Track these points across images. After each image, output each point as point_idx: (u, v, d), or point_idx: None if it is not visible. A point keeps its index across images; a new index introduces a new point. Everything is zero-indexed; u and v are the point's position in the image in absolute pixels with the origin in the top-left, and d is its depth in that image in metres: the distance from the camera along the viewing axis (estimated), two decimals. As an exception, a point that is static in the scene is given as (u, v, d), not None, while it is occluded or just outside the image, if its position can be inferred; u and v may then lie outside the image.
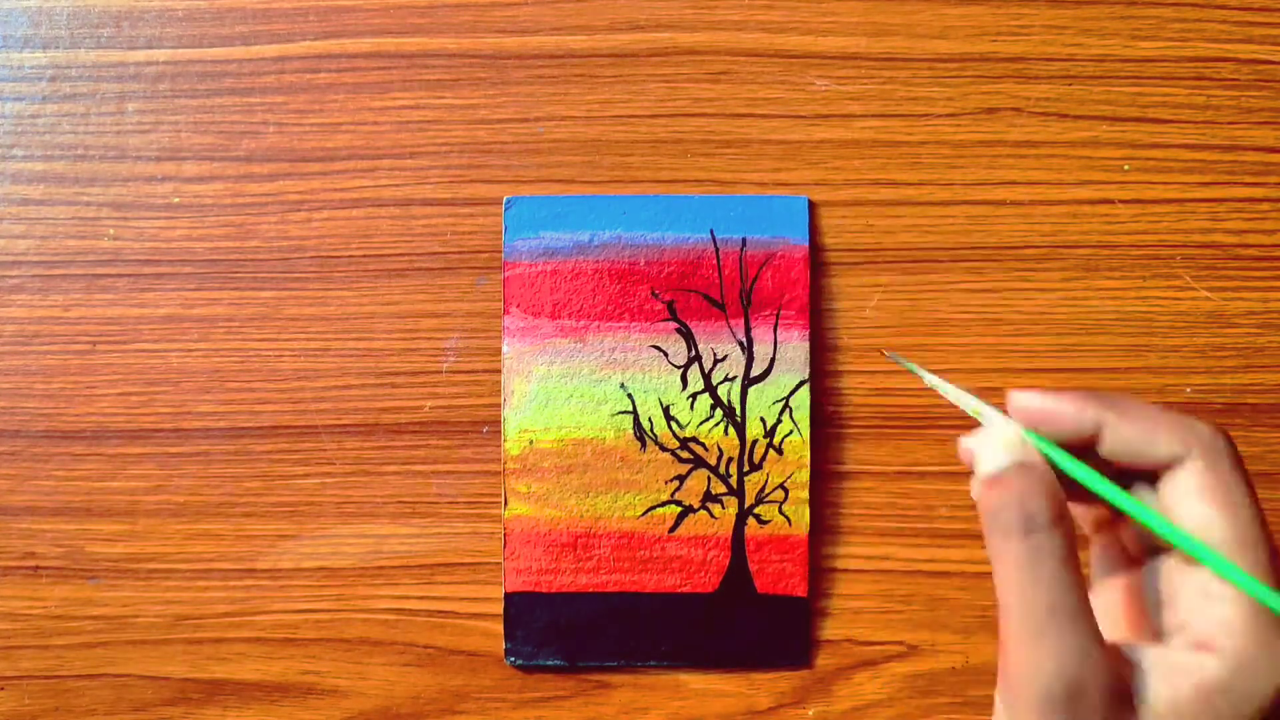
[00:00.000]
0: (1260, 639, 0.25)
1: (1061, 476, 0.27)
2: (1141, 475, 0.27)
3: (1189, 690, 0.25)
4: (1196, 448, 0.26)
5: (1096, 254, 0.39)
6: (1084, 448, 0.27)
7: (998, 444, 0.27)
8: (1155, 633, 0.27)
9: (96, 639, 0.39)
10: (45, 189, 0.39)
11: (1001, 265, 0.39)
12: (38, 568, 0.39)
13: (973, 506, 0.39)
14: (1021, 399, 0.28)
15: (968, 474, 0.40)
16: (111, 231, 0.39)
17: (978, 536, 0.39)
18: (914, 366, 0.31)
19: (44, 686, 0.39)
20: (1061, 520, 0.26)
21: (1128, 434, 0.27)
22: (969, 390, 0.29)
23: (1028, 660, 0.25)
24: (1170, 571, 0.27)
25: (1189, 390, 0.39)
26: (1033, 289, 0.39)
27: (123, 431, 0.39)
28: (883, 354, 0.37)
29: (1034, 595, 0.25)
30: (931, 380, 0.31)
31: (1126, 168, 0.39)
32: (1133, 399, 0.27)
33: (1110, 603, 0.29)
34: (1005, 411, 0.28)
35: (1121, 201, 0.39)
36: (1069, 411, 0.27)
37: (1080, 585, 0.25)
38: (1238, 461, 0.26)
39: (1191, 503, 0.26)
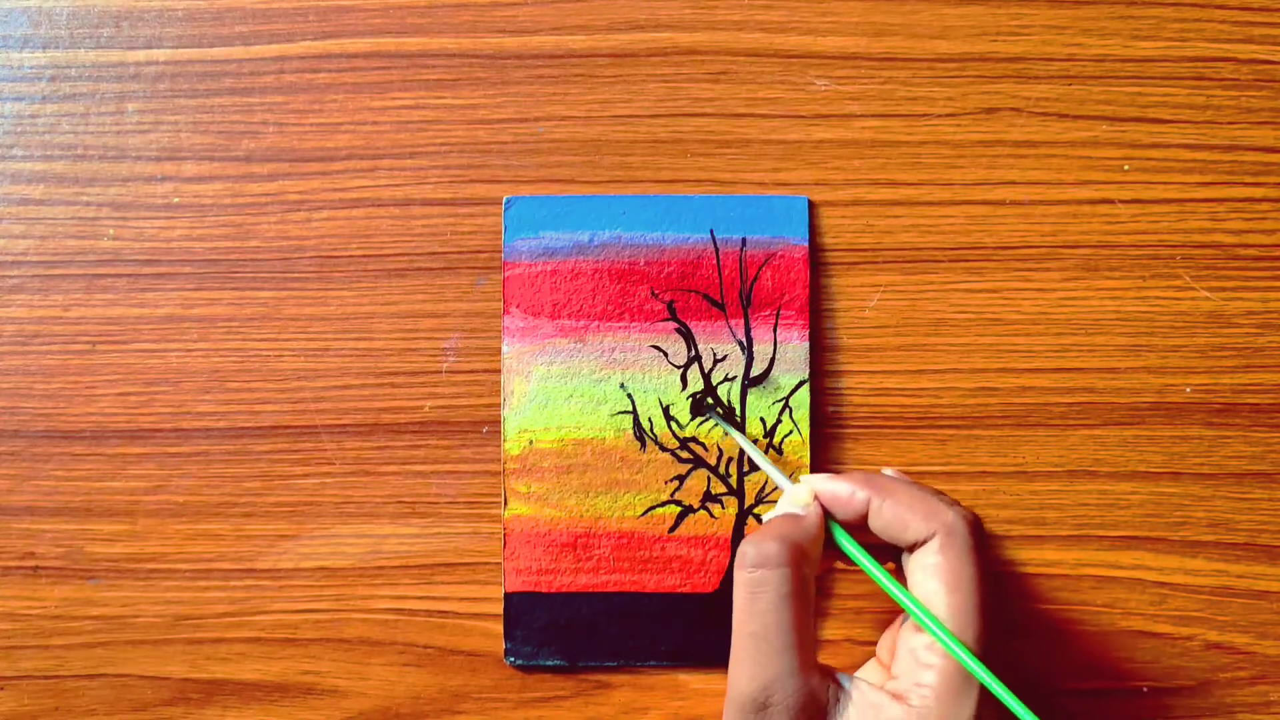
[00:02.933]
0: (944, 706, 0.29)
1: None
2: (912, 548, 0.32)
3: None
4: (940, 531, 0.31)
5: (1096, 254, 0.39)
6: (862, 525, 0.33)
7: (786, 500, 0.33)
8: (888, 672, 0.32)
9: (96, 639, 0.39)
10: (45, 189, 0.39)
11: (1001, 265, 0.39)
12: (38, 568, 0.39)
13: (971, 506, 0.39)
14: (810, 478, 0.34)
15: (967, 474, 0.40)
16: (111, 231, 0.39)
17: (978, 536, 0.39)
18: (734, 432, 0.38)
19: (44, 686, 0.39)
20: (791, 564, 0.31)
21: (888, 516, 0.32)
22: (773, 462, 0.36)
23: (733, 673, 0.31)
24: (904, 630, 0.32)
25: (1189, 390, 0.39)
26: (1033, 289, 0.39)
27: (123, 431, 0.39)
28: (704, 403, 0.38)
29: (745, 621, 0.31)
30: (746, 447, 0.37)
31: (1126, 168, 0.39)
32: (903, 485, 0.32)
33: (889, 638, 0.34)
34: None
35: (1121, 201, 0.39)
36: (843, 492, 0.32)
37: (793, 620, 0.31)
38: (974, 545, 0.31)
39: (925, 577, 0.31)
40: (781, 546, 0.31)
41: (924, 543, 0.31)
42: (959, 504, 0.32)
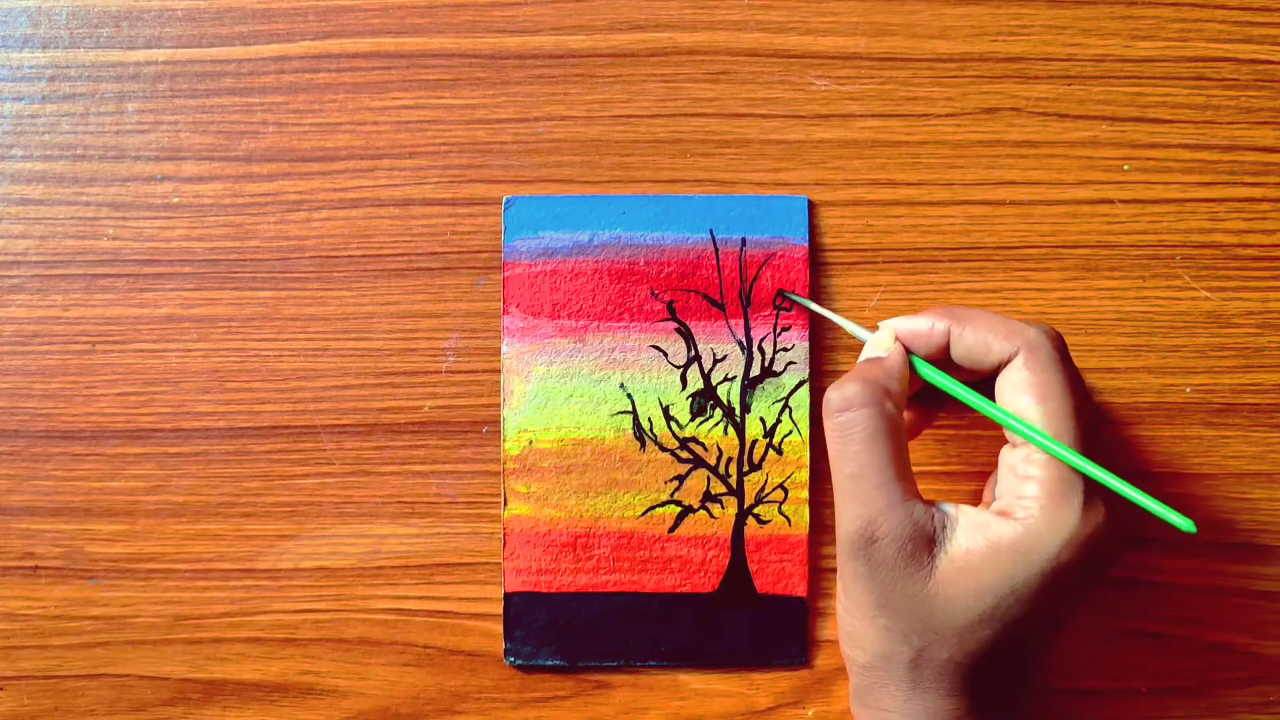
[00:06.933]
0: (1048, 514, 0.30)
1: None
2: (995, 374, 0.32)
3: (982, 543, 0.30)
4: (1022, 348, 0.31)
5: (1096, 254, 0.39)
6: (946, 359, 0.33)
7: (869, 348, 0.34)
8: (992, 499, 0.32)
9: (96, 639, 0.39)
10: (44, 189, 0.39)
11: (1001, 265, 0.39)
12: (37, 568, 0.39)
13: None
14: (889, 322, 0.34)
15: (967, 474, 0.40)
16: (111, 231, 0.39)
17: (977, 536, 0.39)
18: (806, 301, 0.38)
19: (43, 686, 0.39)
20: (875, 402, 0.31)
21: (969, 341, 0.32)
22: (849, 318, 0.36)
23: (839, 516, 0.32)
24: (1003, 451, 0.32)
25: (1189, 390, 0.39)
26: (1033, 289, 0.39)
27: (122, 431, 0.39)
28: (782, 295, 0.38)
29: (840, 466, 0.32)
30: (823, 312, 0.37)
31: (1126, 168, 0.39)
32: (978, 311, 0.33)
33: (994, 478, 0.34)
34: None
35: (1121, 201, 0.39)
36: (923, 326, 0.33)
37: (887, 455, 0.31)
38: (1059, 359, 0.31)
39: (1015, 394, 0.31)
40: (863, 386, 0.31)
41: (1009, 361, 0.31)
42: (1039, 323, 0.32)
